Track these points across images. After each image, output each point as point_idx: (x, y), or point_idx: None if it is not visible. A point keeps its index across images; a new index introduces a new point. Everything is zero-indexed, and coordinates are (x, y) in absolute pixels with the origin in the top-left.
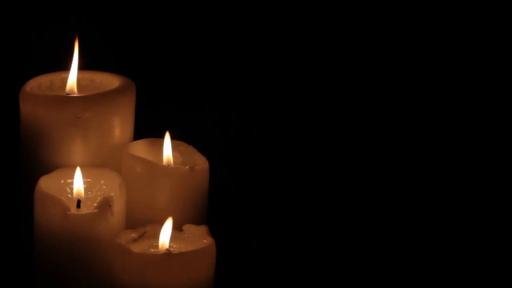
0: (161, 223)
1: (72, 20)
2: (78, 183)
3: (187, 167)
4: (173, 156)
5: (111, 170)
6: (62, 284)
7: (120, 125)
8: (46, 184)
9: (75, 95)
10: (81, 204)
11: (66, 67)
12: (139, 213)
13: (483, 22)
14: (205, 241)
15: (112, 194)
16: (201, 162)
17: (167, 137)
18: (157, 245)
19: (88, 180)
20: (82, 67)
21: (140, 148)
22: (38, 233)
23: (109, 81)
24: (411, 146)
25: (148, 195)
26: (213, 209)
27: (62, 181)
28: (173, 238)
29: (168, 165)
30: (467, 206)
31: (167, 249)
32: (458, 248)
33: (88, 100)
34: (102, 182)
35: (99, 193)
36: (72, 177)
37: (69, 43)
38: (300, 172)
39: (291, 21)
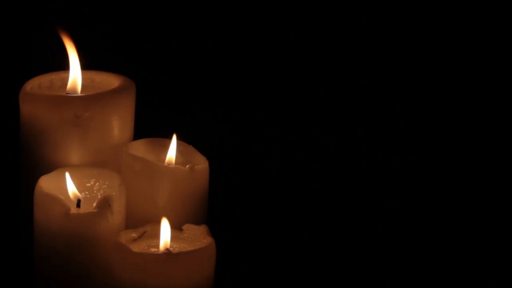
0: (160, 223)
1: (72, 20)
2: (70, 186)
3: (187, 167)
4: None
5: (110, 170)
6: (62, 284)
7: (120, 125)
8: (46, 184)
9: (75, 95)
10: (81, 204)
11: (66, 67)
12: (139, 213)
13: (482, 22)
14: (205, 241)
15: (112, 194)
16: (201, 162)
17: (174, 138)
18: (157, 245)
19: (88, 180)
20: (82, 67)
21: (140, 148)
22: (38, 233)
23: (109, 81)
24: (411, 146)
25: (148, 195)
26: (213, 209)
27: (62, 181)
28: (173, 238)
29: (169, 165)
30: (467, 207)
31: (167, 249)
32: (458, 249)
33: (88, 100)
34: (102, 182)
35: (99, 193)
36: (72, 177)
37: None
38: (300, 171)
39: (291, 21)
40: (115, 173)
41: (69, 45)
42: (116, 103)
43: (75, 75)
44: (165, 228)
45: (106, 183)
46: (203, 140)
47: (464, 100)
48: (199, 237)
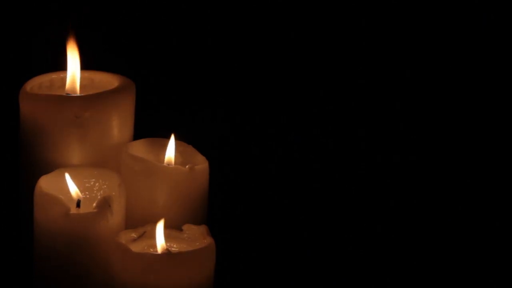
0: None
1: (71, 20)
2: (72, 186)
3: (187, 167)
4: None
5: (110, 170)
6: (62, 284)
7: (119, 125)
8: (46, 184)
9: (75, 95)
10: (81, 204)
11: (67, 67)
12: (139, 213)
13: (482, 22)
14: (205, 241)
15: (112, 194)
16: (201, 162)
17: (172, 138)
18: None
19: (88, 180)
20: (82, 67)
21: (140, 148)
22: (38, 233)
23: (109, 81)
24: (411, 146)
25: (148, 195)
26: (213, 209)
27: (62, 181)
28: (173, 238)
29: (168, 165)
30: (467, 207)
31: (167, 249)
32: (458, 249)
33: (88, 100)
34: (102, 182)
35: (99, 193)
36: (72, 177)
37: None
38: (300, 171)
39: (291, 21)
40: (115, 173)
41: (71, 43)
42: (116, 103)
43: (73, 74)
44: (159, 231)
45: (106, 183)
46: (203, 140)
47: (464, 100)
48: (199, 237)
